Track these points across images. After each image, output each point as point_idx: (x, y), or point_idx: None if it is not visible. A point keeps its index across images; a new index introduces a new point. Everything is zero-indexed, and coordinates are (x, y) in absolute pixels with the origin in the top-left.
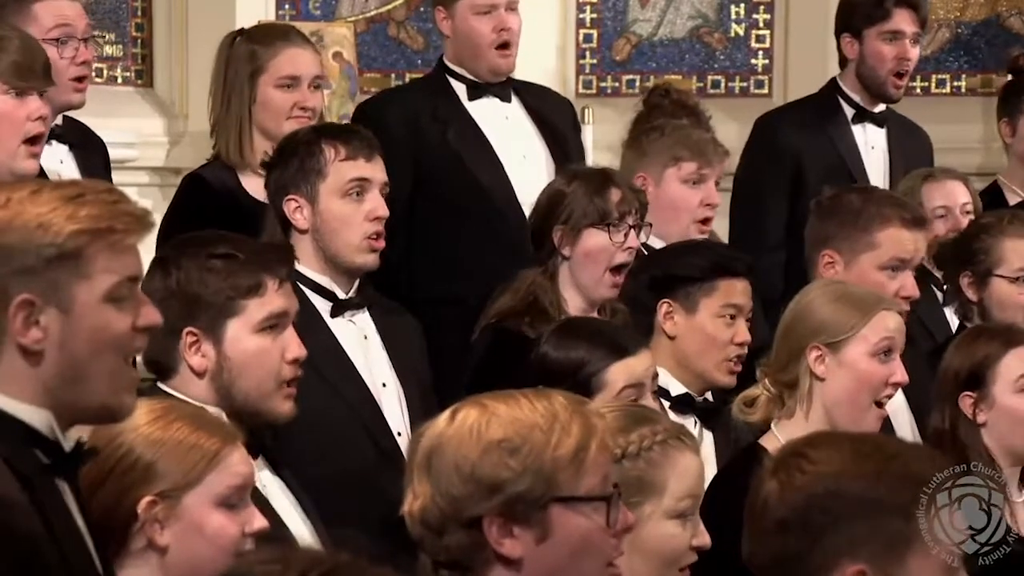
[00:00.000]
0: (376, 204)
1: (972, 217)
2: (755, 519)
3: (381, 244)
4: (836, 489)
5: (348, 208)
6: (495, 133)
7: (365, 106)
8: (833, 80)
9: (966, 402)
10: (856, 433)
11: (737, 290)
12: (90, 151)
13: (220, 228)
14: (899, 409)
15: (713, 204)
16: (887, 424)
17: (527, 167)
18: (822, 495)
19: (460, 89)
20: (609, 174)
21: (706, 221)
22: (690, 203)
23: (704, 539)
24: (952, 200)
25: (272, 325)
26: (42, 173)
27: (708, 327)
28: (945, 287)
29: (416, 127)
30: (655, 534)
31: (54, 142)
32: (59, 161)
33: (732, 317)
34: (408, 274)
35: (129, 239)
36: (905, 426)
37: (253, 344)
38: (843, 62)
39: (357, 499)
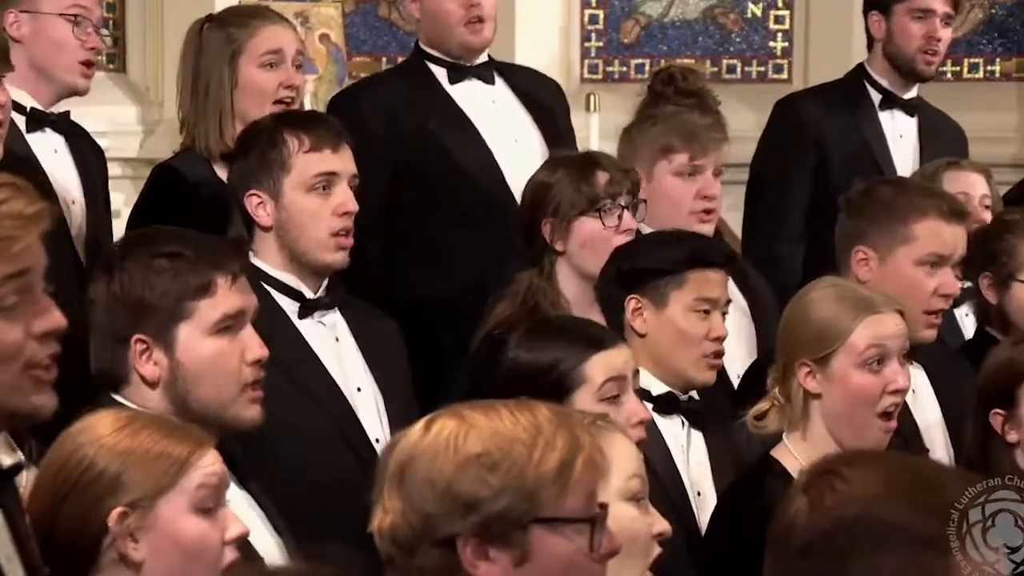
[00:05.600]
0: (345, 198)
1: (989, 212)
2: (780, 541)
3: (349, 242)
4: (865, 514)
5: (314, 203)
6: (481, 117)
7: (338, 97)
8: (860, 65)
9: (996, 420)
10: (895, 454)
11: (711, 282)
12: (85, 145)
13: (195, 222)
14: (933, 424)
15: (711, 196)
16: (918, 439)
17: (519, 151)
18: (851, 519)
19: (440, 73)
20: (594, 157)
21: (707, 212)
22: (684, 196)
23: (664, 525)
24: (973, 190)
25: (228, 326)
26: (35, 162)
27: (680, 322)
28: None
29: (393, 116)
30: (613, 518)
31: (48, 130)
32: (53, 151)
33: (706, 311)
34: (392, 274)
35: (15, 245)
36: (939, 440)
37: (208, 348)
38: (870, 43)
39: (334, 511)
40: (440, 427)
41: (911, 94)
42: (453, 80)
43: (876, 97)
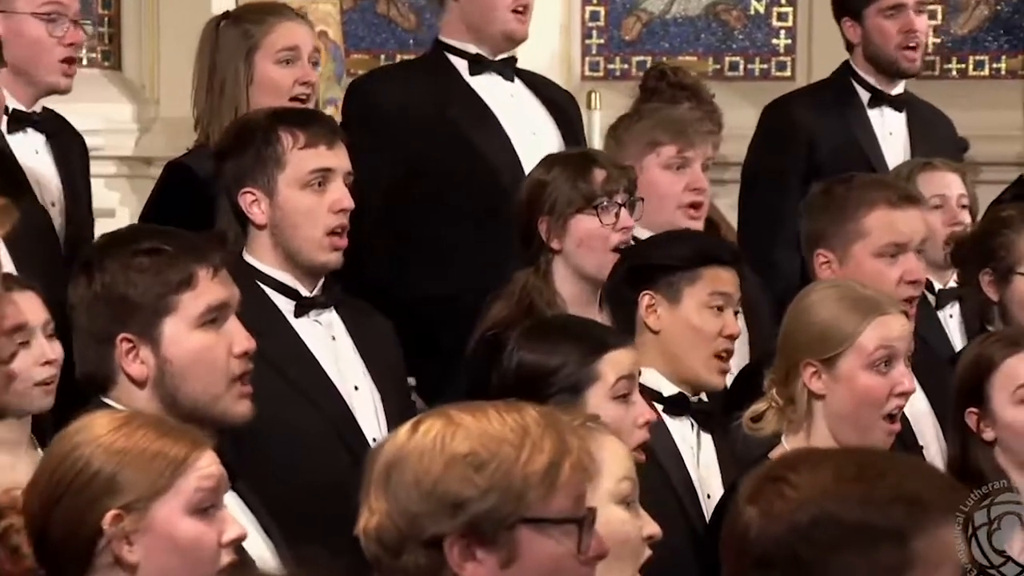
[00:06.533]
0: (340, 195)
1: (967, 212)
2: (734, 553)
3: (344, 242)
4: (821, 517)
5: (309, 200)
6: (501, 109)
7: (356, 84)
8: (846, 63)
9: (972, 419)
10: (838, 450)
11: (723, 279)
12: (68, 142)
13: (206, 220)
14: (922, 415)
15: (700, 189)
16: (910, 432)
17: (537, 144)
18: (807, 525)
19: (461, 65)
20: (591, 155)
21: (696, 207)
22: (673, 189)
23: (654, 528)
24: (949, 191)
25: (212, 319)
26: (15, 162)
27: (694, 319)
28: (938, 289)
29: (411, 104)
30: (603, 520)
31: (30, 130)
32: (34, 151)
33: (720, 308)
34: (395, 273)
35: None
36: (930, 433)
37: (195, 341)
38: (849, 47)
39: (330, 512)
40: (427, 427)
41: (899, 89)
42: (473, 72)
43: (864, 96)
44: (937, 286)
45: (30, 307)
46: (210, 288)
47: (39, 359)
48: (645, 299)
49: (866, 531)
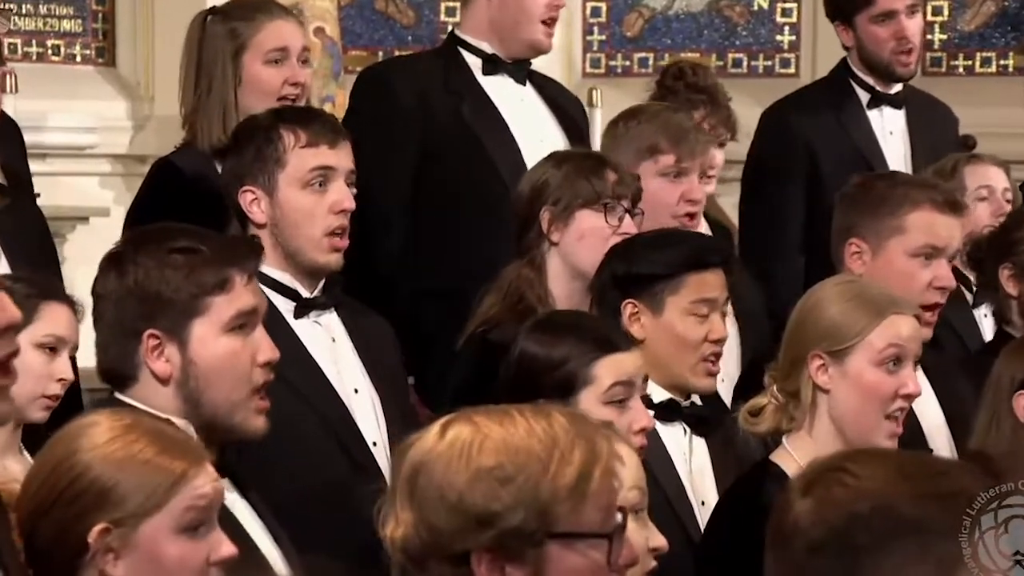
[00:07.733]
0: (341, 195)
1: (1011, 206)
2: (782, 544)
3: (344, 243)
4: (883, 507)
5: (309, 200)
6: (510, 112)
7: (369, 73)
8: (843, 62)
9: (1020, 402)
10: (897, 450)
11: (708, 284)
12: (6, 134)
13: (193, 219)
14: (936, 426)
15: (695, 200)
16: (923, 442)
17: (543, 150)
18: (867, 513)
19: (474, 63)
20: (603, 157)
21: (690, 217)
22: (668, 199)
23: (660, 540)
24: (994, 183)
25: (241, 324)
26: None
27: (677, 327)
28: (976, 288)
29: (426, 97)
30: None
31: None
32: None
33: (704, 314)
34: (411, 263)
35: None
36: (943, 443)
37: (222, 346)
38: (845, 48)
39: (329, 517)
40: (455, 434)
41: (897, 87)
42: (487, 72)
43: (863, 96)
44: (975, 284)
45: (67, 322)
46: (243, 294)
47: (56, 375)
48: (628, 308)
49: (924, 525)
